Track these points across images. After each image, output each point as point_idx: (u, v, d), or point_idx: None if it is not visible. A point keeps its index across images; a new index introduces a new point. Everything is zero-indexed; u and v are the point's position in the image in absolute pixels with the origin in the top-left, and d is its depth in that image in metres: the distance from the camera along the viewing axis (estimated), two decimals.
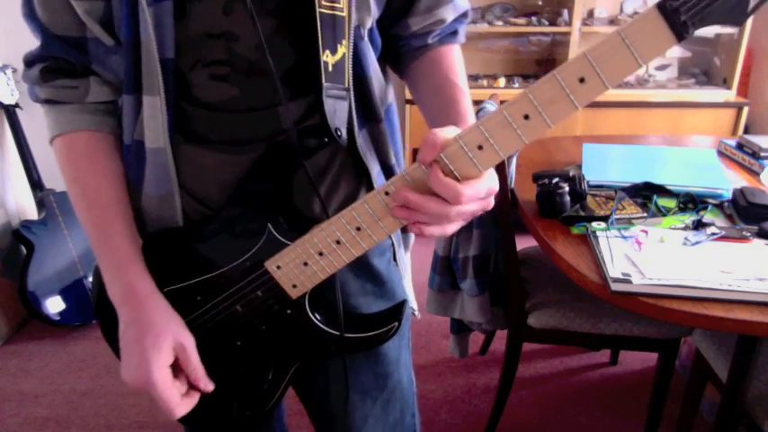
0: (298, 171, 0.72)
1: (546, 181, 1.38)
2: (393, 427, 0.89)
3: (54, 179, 2.37)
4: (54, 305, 2.27)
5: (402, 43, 0.80)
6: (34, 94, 0.74)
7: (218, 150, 0.71)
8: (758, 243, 1.21)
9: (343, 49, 0.68)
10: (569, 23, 2.80)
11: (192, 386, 0.72)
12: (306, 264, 0.68)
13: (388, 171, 0.80)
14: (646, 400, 1.68)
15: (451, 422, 1.84)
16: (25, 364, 2.18)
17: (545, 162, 1.76)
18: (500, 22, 2.94)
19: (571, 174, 1.41)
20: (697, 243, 1.21)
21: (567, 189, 1.36)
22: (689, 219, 1.31)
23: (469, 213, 0.61)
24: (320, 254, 0.67)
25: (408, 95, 2.65)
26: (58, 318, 2.27)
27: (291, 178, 0.73)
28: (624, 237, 1.23)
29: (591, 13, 2.98)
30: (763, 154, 1.64)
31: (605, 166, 1.61)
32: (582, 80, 0.52)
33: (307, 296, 0.72)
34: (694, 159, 1.69)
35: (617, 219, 1.31)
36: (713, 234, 1.23)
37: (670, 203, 1.39)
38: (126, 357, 0.70)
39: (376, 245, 0.66)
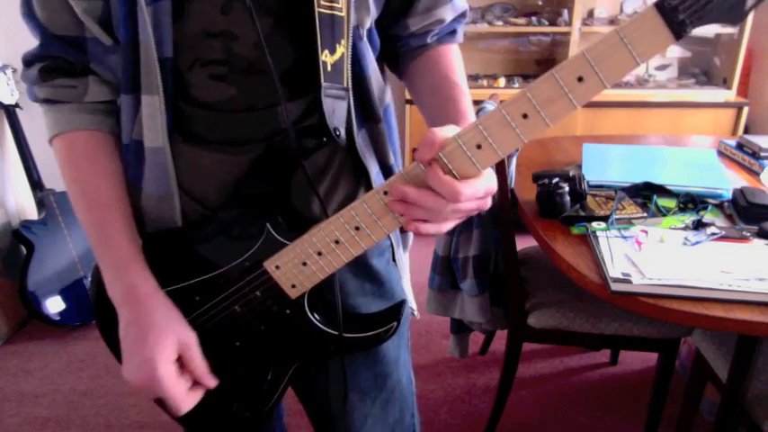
0: (296, 171, 0.72)
1: (546, 181, 1.38)
2: (392, 427, 0.89)
3: (54, 179, 2.37)
4: (54, 305, 2.27)
5: (401, 43, 0.80)
6: (33, 94, 0.74)
7: (217, 150, 0.71)
8: (758, 243, 1.21)
9: (342, 49, 0.68)
10: (569, 23, 2.80)
11: (195, 383, 0.72)
12: (305, 264, 0.68)
13: (386, 171, 0.80)
14: (646, 400, 1.68)
15: (451, 422, 1.84)
16: (25, 364, 2.18)
17: (545, 162, 1.75)
18: (500, 22, 2.94)
19: (571, 174, 1.41)
20: (697, 243, 1.21)
21: (567, 189, 1.36)
22: (689, 219, 1.31)
23: (467, 212, 0.61)
24: (319, 254, 0.67)
25: (408, 95, 2.65)
26: (57, 318, 2.27)
27: (290, 178, 0.73)
28: (624, 237, 1.23)
29: (591, 13, 2.98)
30: (763, 154, 1.64)
31: (605, 166, 1.61)
32: (580, 79, 0.52)
33: (306, 296, 0.72)
34: (694, 159, 1.69)
35: (617, 219, 1.31)
36: (713, 234, 1.23)
37: (670, 203, 1.38)
38: (128, 357, 0.69)
39: (375, 245, 0.66)
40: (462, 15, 0.81)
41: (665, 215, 1.34)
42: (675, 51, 3.02)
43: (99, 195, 0.72)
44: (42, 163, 2.36)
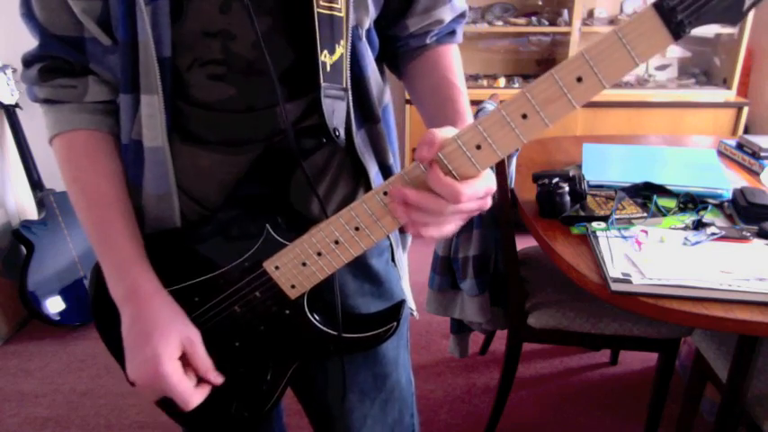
0: (296, 171, 0.72)
1: (546, 181, 1.38)
2: (392, 427, 0.89)
3: (54, 179, 2.37)
4: (54, 305, 2.27)
5: (400, 44, 0.80)
6: (33, 94, 0.74)
7: (216, 151, 0.71)
8: (758, 243, 1.21)
9: (341, 50, 0.68)
10: (569, 23, 2.80)
11: (200, 380, 0.71)
12: (304, 264, 0.68)
13: (386, 171, 0.80)
14: (646, 400, 1.68)
15: (451, 422, 1.84)
16: (25, 364, 2.18)
17: (545, 162, 1.75)
18: (500, 22, 2.94)
19: (571, 174, 1.41)
20: (697, 243, 1.21)
21: (567, 189, 1.36)
22: (689, 219, 1.31)
23: (467, 213, 0.61)
24: (319, 254, 0.67)
25: (408, 95, 2.65)
26: (57, 318, 2.27)
27: (289, 179, 0.73)
28: (624, 237, 1.23)
29: (591, 13, 2.98)
30: (763, 154, 1.64)
31: (605, 166, 1.61)
32: (579, 79, 0.52)
33: (305, 296, 0.72)
34: (694, 159, 1.69)
35: (617, 219, 1.31)
36: (713, 234, 1.23)
37: (670, 203, 1.38)
38: (132, 355, 0.69)
39: (374, 245, 0.66)
40: (461, 16, 0.81)
41: (665, 215, 1.34)
42: (675, 51, 3.02)
43: (99, 195, 0.72)
44: (42, 163, 2.36)
